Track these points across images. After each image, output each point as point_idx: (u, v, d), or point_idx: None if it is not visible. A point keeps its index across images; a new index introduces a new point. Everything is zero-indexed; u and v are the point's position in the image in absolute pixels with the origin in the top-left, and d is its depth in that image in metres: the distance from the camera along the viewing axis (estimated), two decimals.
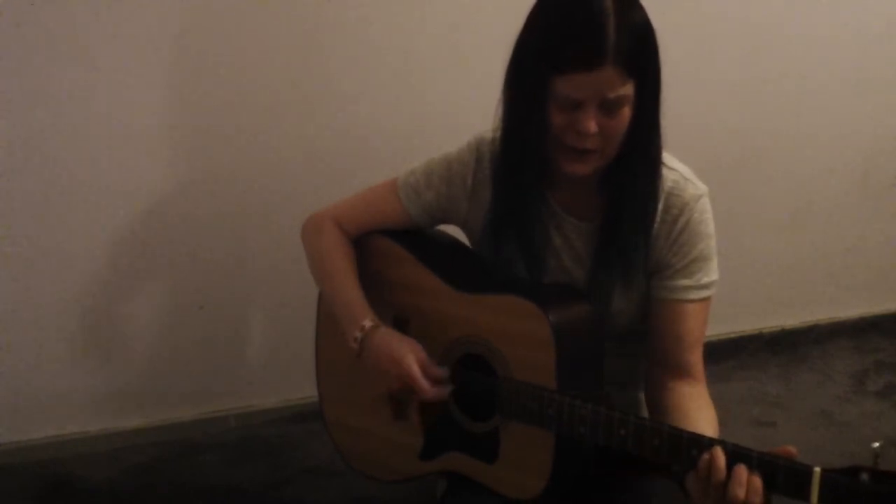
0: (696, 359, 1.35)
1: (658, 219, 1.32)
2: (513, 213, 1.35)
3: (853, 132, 2.71)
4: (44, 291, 2.11)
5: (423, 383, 1.32)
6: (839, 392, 2.61)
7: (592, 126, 1.19)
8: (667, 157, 1.33)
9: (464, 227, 1.48)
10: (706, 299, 1.35)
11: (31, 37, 1.93)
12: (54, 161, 2.03)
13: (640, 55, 1.19)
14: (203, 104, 2.09)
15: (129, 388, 2.27)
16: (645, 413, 1.44)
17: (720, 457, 1.08)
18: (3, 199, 2.03)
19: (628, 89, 1.19)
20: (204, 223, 2.18)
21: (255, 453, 2.27)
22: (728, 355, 2.75)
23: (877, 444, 1.02)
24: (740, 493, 1.05)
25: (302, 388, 2.28)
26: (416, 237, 1.49)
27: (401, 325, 1.44)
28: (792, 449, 1.06)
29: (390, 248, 1.48)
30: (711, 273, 1.34)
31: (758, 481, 1.05)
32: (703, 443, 1.11)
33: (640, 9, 1.21)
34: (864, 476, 0.99)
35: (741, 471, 1.06)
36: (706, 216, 1.34)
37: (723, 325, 2.74)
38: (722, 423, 1.30)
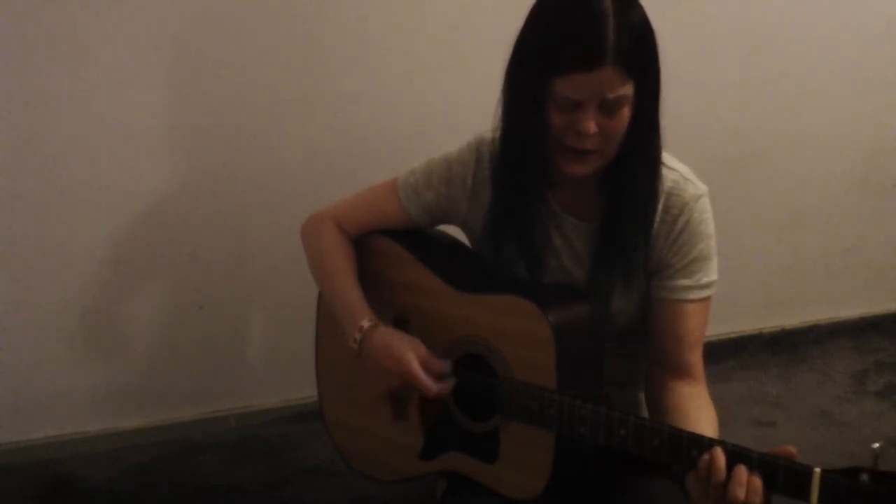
0: (696, 359, 1.35)
1: (658, 219, 1.32)
2: (513, 213, 1.35)
3: (853, 132, 2.71)
4: (44, 291, 2.12)
5: (425, 378, 1.32)
6: (839, 392, 2.61)
7: (592, 126, 1.19)
8: (667, 157, 1.33)
9: (464, 228, 1.48)
10: (706, 299, 1.35)
11: (31, 37, 1.93)
12: (54, 161, 2.03)
13: (640, 55, 1.19)
14: (203, 104, 2.10)
15: (129, 388, 2.27)
16: (645, 413, 1.44)
17: (720, 457, 1.08)
18: (3, 199, 2.03)
19: (628, 89, 1.19)
20: (204, 223, 2.18)
21: (255, 453, 2.27)
22: (728, 355, 2.75)
23: (877, 445, 1.02)
24: (740, 493, 1.05)
25: (302, 388, 2.28)
26: (416, 237, 1.49)
27: (401, 325, 1.44)
28: (792, 449, 1.06)
29: (390, 248, 1.48)
30: (711, 273, 1.34)
31: (758, 482, 1.05)
32: (703, 443, 1.11)
33: (640, 9, 1.21)
34: (864, 476, 0.99)
35: (741, 471, 1.06)
36: (706, 216, 1.34)
37: (723, 325, 2.73)
38: (722, 423, 1.30)
